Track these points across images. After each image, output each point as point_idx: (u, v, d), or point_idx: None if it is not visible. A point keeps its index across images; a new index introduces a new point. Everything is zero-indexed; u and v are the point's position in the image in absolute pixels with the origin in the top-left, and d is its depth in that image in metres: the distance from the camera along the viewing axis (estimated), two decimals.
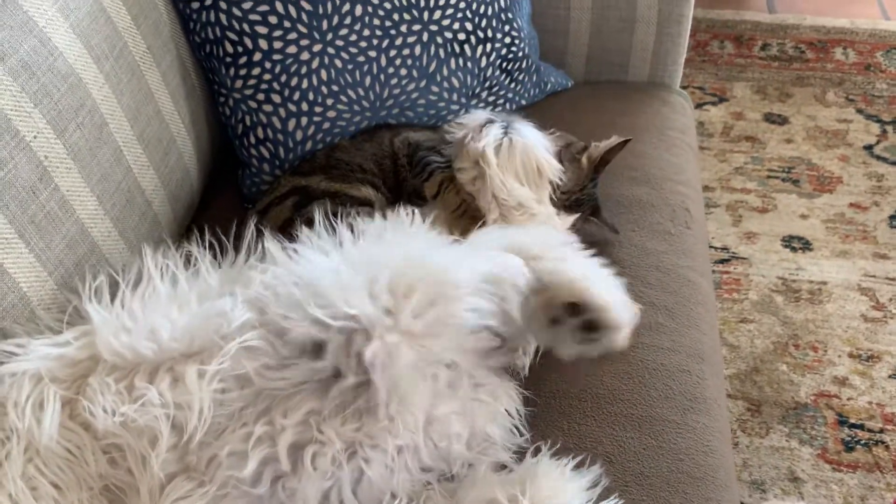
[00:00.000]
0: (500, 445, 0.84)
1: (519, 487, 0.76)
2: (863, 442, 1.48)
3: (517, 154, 1.03)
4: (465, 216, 1.06)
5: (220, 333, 0.75)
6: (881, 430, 1.49)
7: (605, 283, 0.81)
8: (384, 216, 1.02)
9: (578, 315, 0.78)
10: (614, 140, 1.11)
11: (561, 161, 1.07)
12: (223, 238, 0.87)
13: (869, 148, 2.11)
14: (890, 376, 1.58)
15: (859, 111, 2.22)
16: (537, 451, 0.84)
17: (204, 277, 0.82)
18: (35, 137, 0.86)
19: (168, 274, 0.82)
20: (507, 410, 0.85)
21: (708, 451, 0.92)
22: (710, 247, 1.85)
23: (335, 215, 1.04)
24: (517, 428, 0.86)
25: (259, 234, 0.87)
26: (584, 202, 1.10)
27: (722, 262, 1.83)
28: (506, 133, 1.04)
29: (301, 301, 0.73)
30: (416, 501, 0.78)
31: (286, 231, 1.04)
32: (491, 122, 1.05)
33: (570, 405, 0.94)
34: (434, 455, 0.79)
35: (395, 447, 0.76)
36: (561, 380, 0.96)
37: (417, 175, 1.10)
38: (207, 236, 0.86)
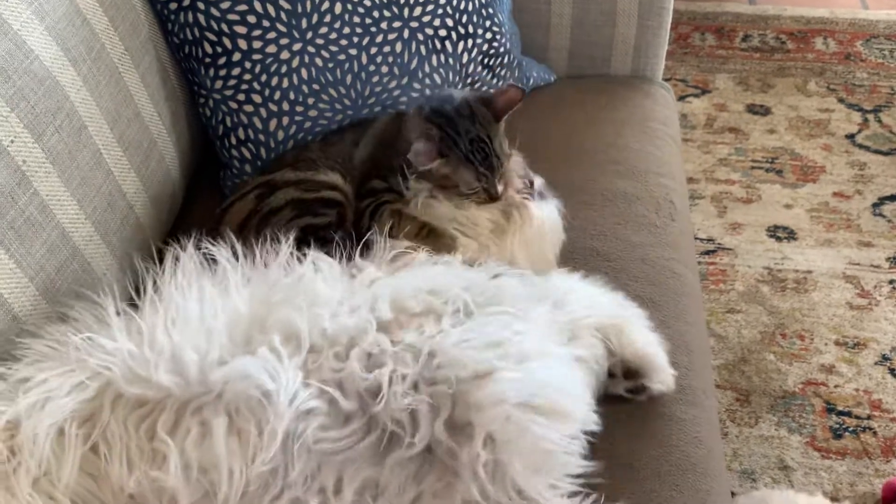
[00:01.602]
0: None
1: None
2: (851, 429, 1.49)
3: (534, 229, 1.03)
4: (427, 238, 1.01)
5: (260, 389, 0.69)
6: (868, 417, 1.51)
7: (662, 352, 0.92)
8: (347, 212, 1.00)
9: (633, 379, 0.91)
10: (511, 91, 1.05)
11: None
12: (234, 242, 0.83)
13: (851, 137, 2.12)
14: (876, 363, 1.59)
15: (841, 100, 2.24)
16: None
17: (234, 300, 0.77)
18: (12, 142, 0.85)
19: (192, 291, 0.76)
20: None
21: (697, 442, 0.92)
22: (696, 238, 1.86)
23: (300, 202, 1.02)
24: None
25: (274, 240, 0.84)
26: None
27: (708, 253, 1.83)
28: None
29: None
30: None
31: (247, 224, 1.03)
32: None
33: None
34: None
35: None
36: None
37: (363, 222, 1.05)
38: (231, 242, 0.82)
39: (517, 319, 0.77)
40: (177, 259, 0.81)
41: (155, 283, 0.79)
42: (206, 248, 0.81)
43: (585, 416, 0.77)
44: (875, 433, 1.48)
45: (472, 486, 0.68)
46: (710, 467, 0.90)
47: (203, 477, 0.67)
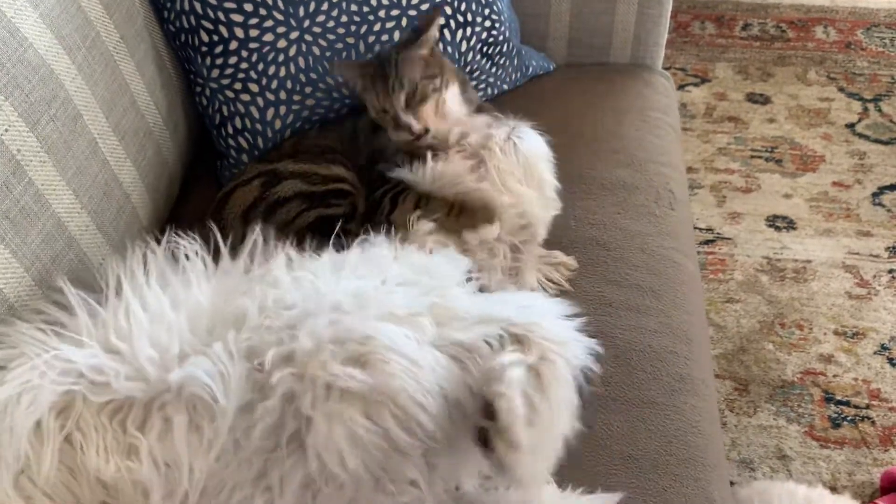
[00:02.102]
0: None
1: None
2: (849, 418, 1.49)
3: (519, 157, 1.01)
4: (461, 215, 1.00)
5: (210, 394, 0.69)
6: (867, 406, 1.50)
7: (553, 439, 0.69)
8: (358, 203, 0.99)
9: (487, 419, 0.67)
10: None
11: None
12: (212, 231, 0.82)
13: (851, 126, 2.11)
14: (875, 352, 1.59)
15: (841, 89, 2.23)
16: None
17: (195, 295, 0.76)
18: (6, 131, 0.84)
19: (150, 286, 0.76)
20: None
21: (696, 431, 0.92)
22: (695, 228, 1.85)
23: (309, 195, 1.02)
24: None
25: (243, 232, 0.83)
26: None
27: (707, 242, 1.83)
28: (509, 136, 1.02)
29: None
30: None
31: (252, 212, 1.02)
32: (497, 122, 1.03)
33: None
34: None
35: None
36: None
37: (382, 209, 1.03)
38: (192, 236, 0.81)
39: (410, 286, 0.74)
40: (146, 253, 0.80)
41: (119, 278, 0.79)
42: (185, 240, 0.80)
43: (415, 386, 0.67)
44: (873, 422, 1.48)
45: None
46: (709, 458, 0.90)
47: (169, 472, 0.68)
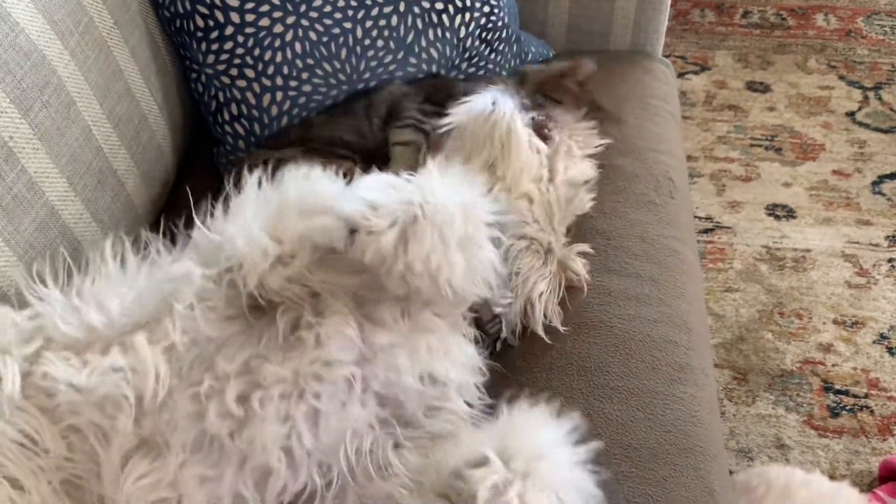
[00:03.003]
0: (457, 391, 0.81)
1: (500, 441, 0.73)
2: (848, 407, 1.49)
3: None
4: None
5: (170, 299, 0.76)
6: (866, 396, 1.50)
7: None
8: None
9: None
10: (585, 63, 1.15)
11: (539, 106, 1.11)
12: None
13: (851, 114, 2.10)
14: (874, 342, 1.59)
15: (841, 78, 2.22)
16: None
17: (155, 259, 0.81)
18: None
19: (118, 258, 0.81)
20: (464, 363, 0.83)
21: (696, 421, 0.92)
22: (695, 216, 1.84)
23: None
24: (478, 388, 0.83)
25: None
26: (590, 109, 1.15)
27: (706, 231, 1.82)
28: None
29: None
30: (383, 448, 0.76)
31: None
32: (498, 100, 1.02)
33: (555, 378, 0.93)
34: (385, 383, 0.77)
35: (343, 378, 0.74)
36: (546, 353, 0.95)
37: (390, 122, 1.08)
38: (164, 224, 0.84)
39: None
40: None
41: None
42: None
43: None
44: (872, 412, 1.48)
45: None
46: (708, 448, 0.89)
47: (135, 377, 0.72)
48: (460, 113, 1.00)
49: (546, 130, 1.03)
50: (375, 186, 0.75)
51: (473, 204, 0.78)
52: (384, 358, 0.77)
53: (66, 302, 0.77)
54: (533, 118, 1.02)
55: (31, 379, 0.72)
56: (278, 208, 0.77)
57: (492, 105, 0.99)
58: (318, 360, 0.74)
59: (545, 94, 1.13)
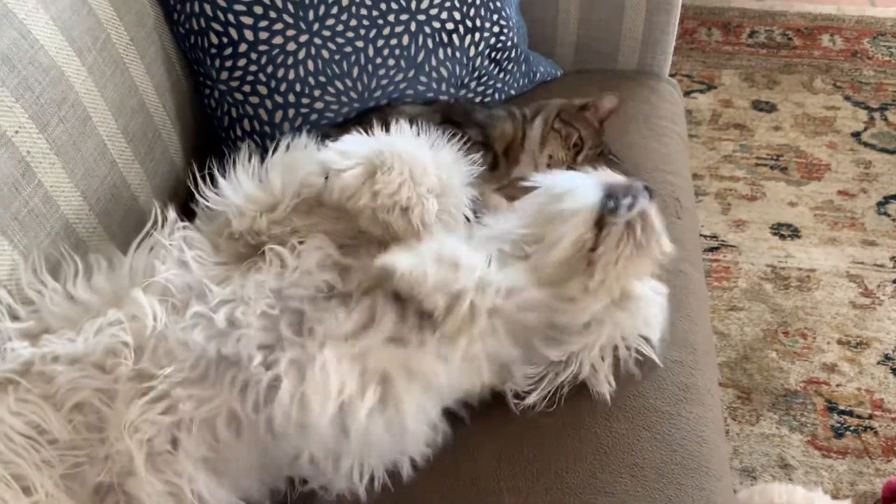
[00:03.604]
0: None
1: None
2: (852, 428, 1.49)
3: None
4: None
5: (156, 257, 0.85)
6: (870, 416, 1.50)
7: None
8: None
9: None
10: (608, 98, 1.19)
11: (553, 129, 1.15)
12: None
13: (857, 135, 2.11)
14: (878, 362, 1.59)
15: (847, 98, 2.23)
16: None
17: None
18: (17, 132, 0.85)
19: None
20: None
21: (701, 441, 0.92)
22: (700, 235, 1.85)
23: None
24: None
25: None
26: (603, 151, 1.18)
27: (711, 250, 1.83)
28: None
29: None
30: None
31: None
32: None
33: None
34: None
35: (323, 282, 0.83)
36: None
37: None
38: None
39: None
40: None
41: None
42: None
43: None
44: (876, 433, 1.48)
45: None
46: (713, 467, 0.90)
47: (134, 324, 0.79)
48: (558, 184, 0.93)
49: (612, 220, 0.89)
50: (351, 139, 0.86)
51: (450, 165, 0.87)
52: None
53: (61, 290, 0.83)
54: (611, 205, 0.89)
55: (32, 368, 0.77)
56: (266, 167, 0.87)
57: (591, 189, 0.90)
58: (299, 269, 0.83)
59: (564, 120, 1.16)
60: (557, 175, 0.95)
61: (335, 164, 0.83)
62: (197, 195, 0.90)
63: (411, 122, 1.13)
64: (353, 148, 0.85)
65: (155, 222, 0.88)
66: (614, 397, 0.92)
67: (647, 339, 0.94)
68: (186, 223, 0.89)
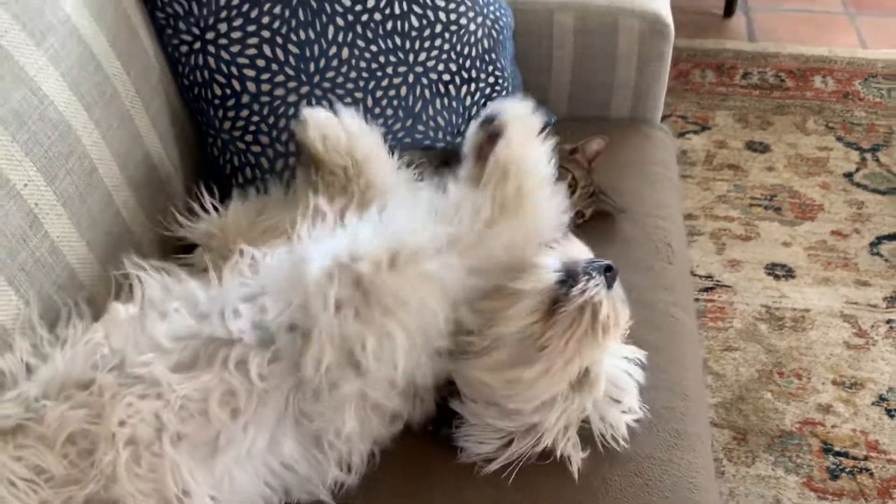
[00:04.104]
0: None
1: None
2: (848, 470, 1.50)
3: None
4: None
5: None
6: (865, 458, 1.51)
7: None
8: None
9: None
10: (596, 141, 1.27)
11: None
12: None
13: (849, 175, 2.14)
14: (873, 403, 1.60)
15: (839, 139, 2.27)
16: None
17: None
18: (25, 185, 0.88)
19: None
20: None
21: (693, 487, 0.94)
22: (695, 275, 1.87)
23: None
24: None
25: None
26: (595, 191, 1.24)
27: (706, 290, 1.85)
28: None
29: None
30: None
31: None
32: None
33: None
34: None
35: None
36: None
37: None
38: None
39: None
40: None
41: None
42: None
43: None
44: (872, 474, 1.49)
45: None
46: None
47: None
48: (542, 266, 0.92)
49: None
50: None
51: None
52: None
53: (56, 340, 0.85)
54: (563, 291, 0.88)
55: (26, 428, 0.78)
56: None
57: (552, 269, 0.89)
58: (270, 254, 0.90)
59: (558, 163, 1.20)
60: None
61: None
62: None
63: (409, 165, 1.17)
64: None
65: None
66: (605, 445, 0.94)
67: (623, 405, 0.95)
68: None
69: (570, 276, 0.88)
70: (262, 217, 1.02)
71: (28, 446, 0.77)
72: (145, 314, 0.85)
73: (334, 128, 0.99)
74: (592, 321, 0.86)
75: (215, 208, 1.03)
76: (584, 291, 0.86)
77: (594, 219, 1.23)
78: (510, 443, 0.91)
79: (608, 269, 0.89)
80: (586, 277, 0.88)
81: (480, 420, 0.91)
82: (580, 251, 0.94)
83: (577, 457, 0.91)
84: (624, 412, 0.94)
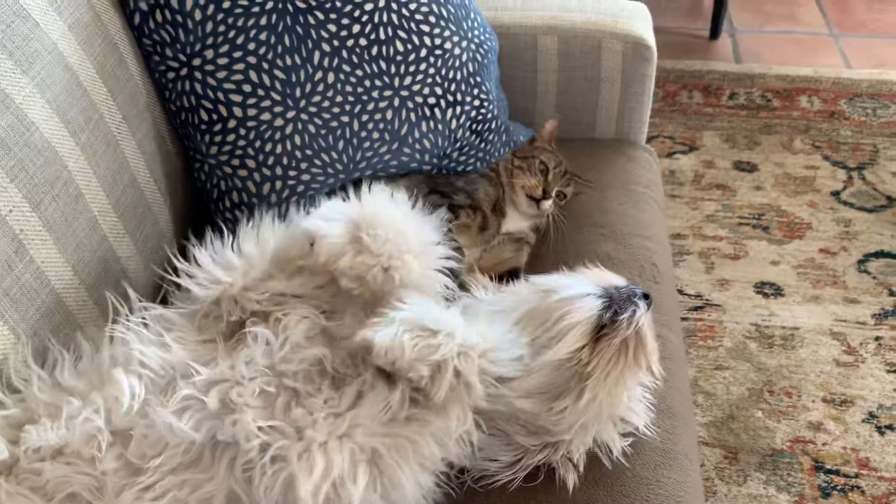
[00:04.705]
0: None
1: None
2: (839, 487, 1.49)
3: None
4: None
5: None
6: (856, 475, 1.51)
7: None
8: None
9: None
10: (549, 122, 1.36)
11: (516, 167, 1.30)
12: None
13: (836, 194, 2.16)
14: (863, 420, 1.60)
15: (825, 158, 2.29)
16: None
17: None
18: (11, 212, 0.88)
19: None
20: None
21: None
22: (684, 294, 1.88)
23: None
24: None
25: None
26: (567, 170, 1.31)
27: (696, 309, 1.86)
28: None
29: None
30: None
31: None
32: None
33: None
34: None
35: (314, 357, 0.84)
36: None
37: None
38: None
39: None
40: None
41: None
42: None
43: None
44: (863, 492, 1.48)
45: None
46: None
47: (114, 405, 0.80)
48: (552, 284, 0.96)
49: (609, 339, 0.90)
50: (332, 204, 0.89)
51: (429, 226, 0.90)
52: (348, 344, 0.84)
53: (48, 379, 0.84)
54: (609, 317, 0.90)
55: (20, 464, 0.77)
56: (238, 239, 0.91)
57: (592, 296, 0.91)
58: (288, 343, 0.83)
59: (521, 156, 1.30)
60: (554, 277, 0.97)
61: (320, 229, 0.85)
62: (169, 276, 0.92)
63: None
64: (336, 212, 0.87)
65: (116, 312, 0.91)
66: (592, 464, 0.94)
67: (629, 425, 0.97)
68: (162, 306, 0.91)
69: (613, 303, 0.90)
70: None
71: (20, 494, 0.76)
72: (148, 401, 0.81)
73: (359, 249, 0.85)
74: (636, 350, 0.89)
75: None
76: (631, 321, 0.89)
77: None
78: (520, 459, 0.91)
79: (645, 296, 0.92)
80: (632, 307, 0.90)
81: (501, 436, 0.91)
82: (612, 277, 0.96)
83: (573, 475, 0.92)
84: (625, 434, 0.96)
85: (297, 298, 0.88)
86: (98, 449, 0.77)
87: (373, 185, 0.93)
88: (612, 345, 0.88)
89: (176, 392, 0.80)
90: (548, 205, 1.24)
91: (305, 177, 1.20)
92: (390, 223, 0.85)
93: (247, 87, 1.16)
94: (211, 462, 0.78)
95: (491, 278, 1.08)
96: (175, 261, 0.92)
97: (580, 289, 0.92)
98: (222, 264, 0.89)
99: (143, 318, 0.89)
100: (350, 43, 1.20)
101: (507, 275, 1.17)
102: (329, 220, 0.87)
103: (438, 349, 0.79)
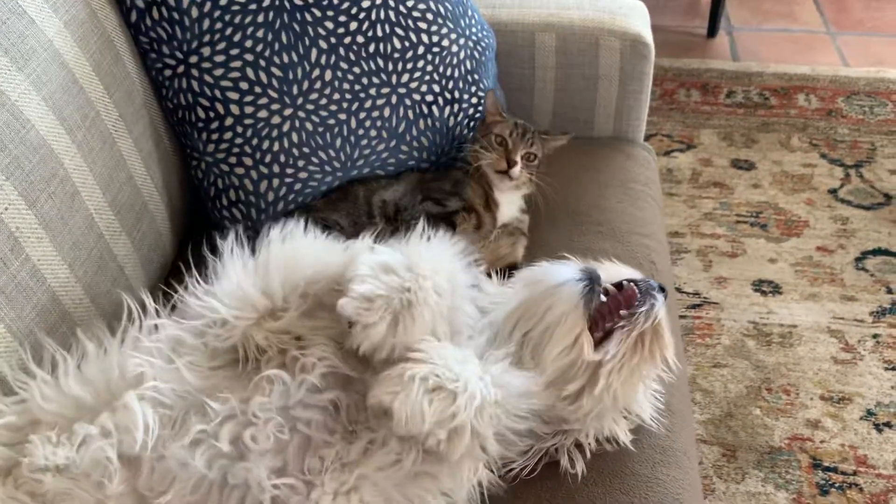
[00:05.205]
0: None
1: None
2: (837, 485, 1.49)
3: None
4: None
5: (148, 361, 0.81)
6: (854, 473, 1.51)
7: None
8: None
9: None
10: (488, 94, 1.29)
11: (476, 150, 1.24)
12: None
13: (833, 191, 2.16)
14: (861, 418, 1.60)
15: (823, 156, 2.29)
16: None
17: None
18: (6, 209, 0.88)
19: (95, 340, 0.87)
20: None
21: (678, 503, 0.93)
22: (682, 292, 1.88)
23: None
24: None
25: None
26: (527, 129, 1.26)
27: (694, 307, 1.86)
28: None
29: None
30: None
31: None
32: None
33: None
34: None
35: (329, 401, 0.81)
36: None
37: (398, 217, 1.17)
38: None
39: None
40: None
41: None
42: None
43: None
44: (861, 489, 1.48)
45: None
46: None
47: (126, 437, 0.78)
48: (535, 275, 0.95)
49: (604, 324, 0.91)
50: (369, 273, 0.80)
51: (457, 273, 0.85)
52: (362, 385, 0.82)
53: (52, 382, 0.82)
54: (599, 305, 0.90)
55: (20, 469, 0.76)
56: (263, 264, 0.85)
57: (572, 281, 0.90)
58: (304, 386, 0.80)
59: (477, 138, 1.26)
60: (537, 267, 0.96)
61: (362, 318, 0.78)
62: (181, 294, 0.88)
63: (397, 208, 1.17)
64: (376, 291, 0.79)
65: (131, 313, 0.88)
66: (591, 462, 0.94)
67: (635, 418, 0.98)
68: (173, 322, 0.86)
69: (593, 283, 0.90)
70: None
71: (17, 500, 0.75)
72: (160, 436, 0.78)
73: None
74: (653, 343, 0.89)
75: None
76: (649, 314, 0.89)
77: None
78: (530, 448, 0.91)
79: (662, 289, 0.92)
80: (650, 300, 0.90)
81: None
82: (627, 271, 0.97)
83: (580, 464, 0.93)
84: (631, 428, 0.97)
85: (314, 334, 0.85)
86: (108, 478, 0.75)
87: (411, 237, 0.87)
88: (630, 338, 0.88)
89: (189, 427, 0.78)
90: (517, 171, 1.20)
91: (303, 174, 1.20)
92: (432, 304, 0.80)
93: (244, 85, 1.16)
94: (218, 501, 0.78)
95: (489, 275, 1.08)
96: (189, 299, 0.86)
97: (559, 276, 0.91)
98: (242, 298, 0.83)
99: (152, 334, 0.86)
100: (347, 40, 1.20)
101: (506, 270, 1.16)
102: (367, 299, 0.78)
103: (457, 415, 0.76)
